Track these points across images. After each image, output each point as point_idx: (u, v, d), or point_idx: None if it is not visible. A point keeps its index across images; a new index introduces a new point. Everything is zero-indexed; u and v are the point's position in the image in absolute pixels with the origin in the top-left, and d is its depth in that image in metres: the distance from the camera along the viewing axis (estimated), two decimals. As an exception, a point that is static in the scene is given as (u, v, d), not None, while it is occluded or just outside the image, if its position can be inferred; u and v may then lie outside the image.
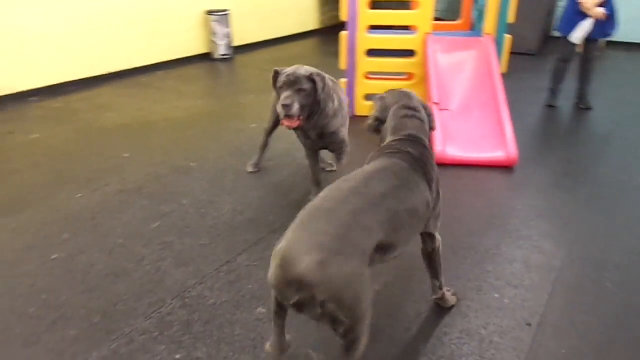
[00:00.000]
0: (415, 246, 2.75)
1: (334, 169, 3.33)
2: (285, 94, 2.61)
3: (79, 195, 3.33)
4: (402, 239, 1.77)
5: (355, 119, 4.78)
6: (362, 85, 4.69)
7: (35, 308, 2.28)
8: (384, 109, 2.12)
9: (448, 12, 8.57)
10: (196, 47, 7.21)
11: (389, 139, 2.02)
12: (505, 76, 4.49)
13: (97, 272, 2.54)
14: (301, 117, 2.68)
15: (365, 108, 4.78)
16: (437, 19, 7.76)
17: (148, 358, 2.00)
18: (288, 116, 2.62)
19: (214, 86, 6.37)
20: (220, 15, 7.10)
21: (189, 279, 2.48)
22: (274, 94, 3.01)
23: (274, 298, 1.70)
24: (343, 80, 4.69)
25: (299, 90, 2.63)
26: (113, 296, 2.36)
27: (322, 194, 1.72)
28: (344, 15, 4.45)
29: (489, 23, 4.38)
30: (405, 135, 1.98)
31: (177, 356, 2.00)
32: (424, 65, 4.39)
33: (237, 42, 7.56)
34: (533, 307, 2.29)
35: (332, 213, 1.58)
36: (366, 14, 4.40)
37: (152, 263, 2.60)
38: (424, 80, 4.38)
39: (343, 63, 4.63)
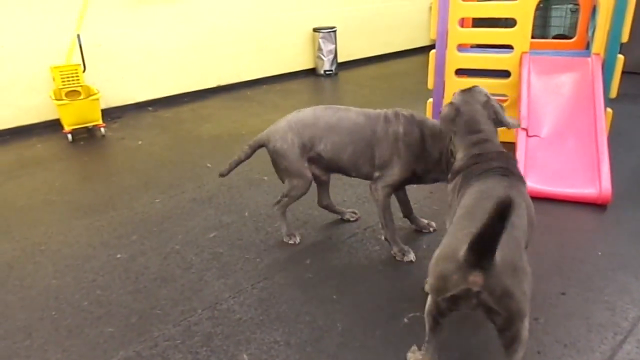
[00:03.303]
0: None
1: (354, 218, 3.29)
2: None
3: (157, 200, 3.62)
4: None
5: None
6: (450, 106, 4.46)
7: (88, 302, 2.52)
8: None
9: (573, 29, 7.82)
10: (302, 63, 7.46)
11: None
12: (615, 101, 3.99)
13: (149, 274, 2.73)
14: None
15: (453, 130, 4.55)
16: (561, 36, 7.20)
17: (164, 364, 2.10)
18: None
19: (312, 101, 6.51)
20: (326, 33, 7.27)
21: (225, 291, 2.55)
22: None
23: (434, 305, 1.80)
24: (429, 101, 4.52)
25: None
26: (154, 300, 2.52)
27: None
28: (432, 33, 4.29)
29: (598, 42, 3.91)
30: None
31: (189, 367, 2.08)
32: (518, 87, 4.06)
33: (342, 58, 7.67)
34: (581, 373, 1.99)
35: None
36: (456, 32, 4.19)
37: (197, 272, 2.73)
38: (517, 103, 4.05)
39: (430, 82, 4.45)
